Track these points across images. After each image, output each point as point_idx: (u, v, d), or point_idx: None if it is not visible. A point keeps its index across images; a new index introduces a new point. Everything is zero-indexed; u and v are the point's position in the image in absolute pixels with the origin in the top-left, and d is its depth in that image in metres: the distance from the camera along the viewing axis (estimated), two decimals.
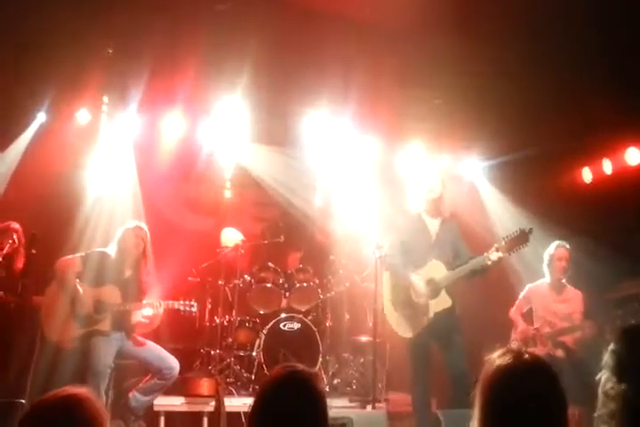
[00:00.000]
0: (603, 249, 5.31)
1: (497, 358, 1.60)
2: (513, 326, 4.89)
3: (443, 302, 4.06)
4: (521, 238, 3.95)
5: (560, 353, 4.57)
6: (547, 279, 4.84)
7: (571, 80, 5.15)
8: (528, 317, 4.91)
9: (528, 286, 4.96)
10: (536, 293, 4.87)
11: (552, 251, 4.77)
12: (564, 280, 4.79)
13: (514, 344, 4.75)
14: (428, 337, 4.12)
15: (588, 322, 4.61)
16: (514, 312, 4.93)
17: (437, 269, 4.09)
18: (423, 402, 4.21)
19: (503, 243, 3.96)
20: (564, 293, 4.80)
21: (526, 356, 1.61)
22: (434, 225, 4.27)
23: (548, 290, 4.83)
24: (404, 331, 4.18)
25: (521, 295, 4.96)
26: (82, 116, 5.60)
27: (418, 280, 4.10)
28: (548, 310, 4.77)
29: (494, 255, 3.95)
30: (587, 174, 6.32)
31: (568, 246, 4.78)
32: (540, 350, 4.56)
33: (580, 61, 4.94)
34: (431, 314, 4.06)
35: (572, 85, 5.18)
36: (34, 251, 4.25)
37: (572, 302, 4.76)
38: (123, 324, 4.20)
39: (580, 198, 6.11)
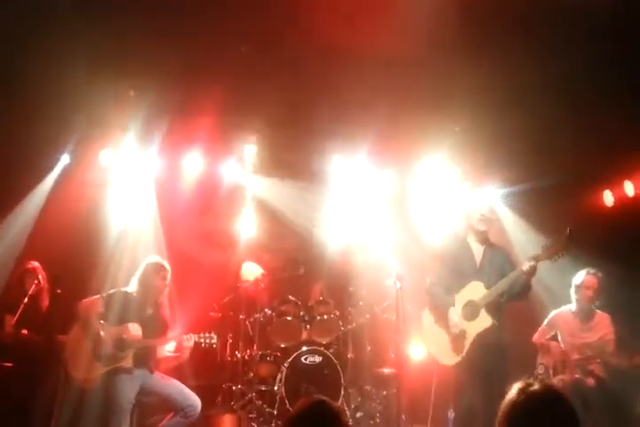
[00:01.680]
0: (630, 274, 5.23)
1: (511, 393, 1.64)
2: (540, 350, 4.78)
3: (483, 321, 3.88)
4: (559, 244, 3.82)
5: (590, 382, 4.47)
6: (572, 306, 4.76)
7: (588, 103, 5.16)
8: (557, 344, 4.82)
9: (553, 313, 4.88)
10: (561, 319, 4.80)
11: (580, 278, 4.70)
12: (593, 307, 4.69)
13: (540, 369, 4.66)
14: (470, 362, 3.90)
15: (620, 351, 4.50)
16: (537, 338, 4.84)
17: (477, 290, 3.95)
18: None
19: (541, 251, 3.86)
20: (592, 319, 4.71)
21: (536, 388, 1.63)
22: (479, 252, 4.15)
23: (573, 318, 4.75)
24: (448, 358, 3.99)
25: (545, 321, 4.88)
26: (104, 156, 5.78)
27: (454, 310, 3.97)
28: (573, 336, 4.70)
29: (526, 265, 3.85)
30: (608, 197, 6.26)
31: (598, 274, 4.67)
32: (568, 377, 4.47)
33: (596, 84, 4.95)
34: (472, 337, 3.89)
35: (590, 108, 5.19)
36: (59, 291, 4.37)
37: (601, 326, 4.68)
38: (145, 360, 4.24)
39: (603, 222, 6.03)
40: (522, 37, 4.64)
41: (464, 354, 3.89)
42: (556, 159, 5.73)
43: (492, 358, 3.85)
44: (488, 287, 3.91)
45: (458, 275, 4.04)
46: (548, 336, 4.86)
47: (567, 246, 3.81)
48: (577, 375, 4.51)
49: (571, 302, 4.82)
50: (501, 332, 3.94)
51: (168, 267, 4.44)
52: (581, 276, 4.71)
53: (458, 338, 3.93)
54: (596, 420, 4.25)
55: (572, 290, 4.75)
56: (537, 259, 3.85)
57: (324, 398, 1.78)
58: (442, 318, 4.05)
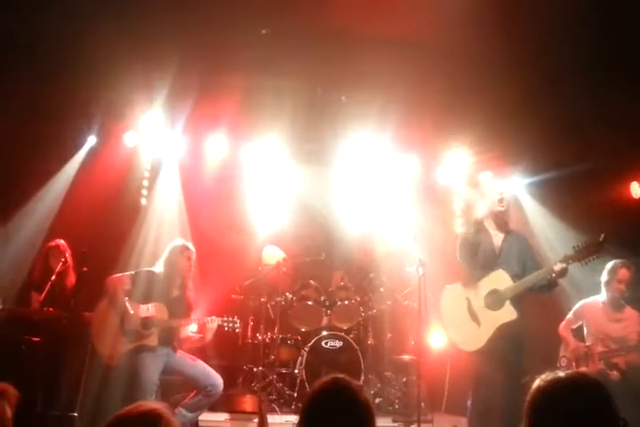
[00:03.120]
0: None
1: (539, 380, 1.58)
2: (562, 342, 4.74)
3: (507, 314, 3.82)
4: (591, 248, 3.76)
5: (615, 375, 4.36)
6: (602, 296, 4.65)
7: (618, 92, 5.06)
8: (578, 334, 4.73)
9: (581, 302, 4.76)
10: (589, 310, 4.69)
11: (614, 270, 4.55)
12: (621, 298, 4.60)
13: (563, 361, 4.60)
14: (491, 352, 3.83)
15: None
16: (563, 328, 4.73)
17: (502, 280, 3.88)
18: (479, 423, 3.96)
19: (572, 252, 3.78)
20: (621, 312, 4.60)
21: (566, 374, 1.57)
22: (498, 238, 4.09)
23: (603, 308, 4.64)
24: (467, 345, 3.94)
25: (572, 311, 4.77)
26: (130, 138, 5.82)
27: (477, 290, 3.92)
28: (601, 329, 4.58)
29: (558, 266, 3.78)
30: (635, 189, 6.15)
31: (631, 267, 4.54)
32: (591, 369, 4.39)
33: (624, 74, 4.86)
34: (494, 327, 3.83)
35: (620, 98, 5.09)
36: (85, 268, 4.41)
37: (629, 322, 4.56)
38: (170, 340, 4.28)
39: (630, 214, 5.94)
40: (552, 23, 4.57)
41: (484, 343, 3.84)
42: (582, 149, 5.63)
43: (514, 350, 3.82)
44: (513, 277, 3.86)
45: (477, 262, 4.00)
46: (574, 326, 4.76)
47: (599, 251, 3.77)
48: (601, 368, 4.42)
49: (595, 291, 4.73)
50: (523, 325, 3.89)
51: (193, 248, 4.47)
52: (615, 268, 4.56)
53: (479, 325, 3.88)
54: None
55: (603, 280, 4.62)
56: (568, 261, 3.78)
57: (344, 376, 1.77)
58: (463, 298, 3.98)
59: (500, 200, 4.04)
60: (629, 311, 4.61)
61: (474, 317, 3.90)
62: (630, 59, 4.76)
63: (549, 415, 1.51)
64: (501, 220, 4.09)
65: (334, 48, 4.97)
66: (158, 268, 4.39)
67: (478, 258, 4.01)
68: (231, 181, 6.16)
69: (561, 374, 1.59)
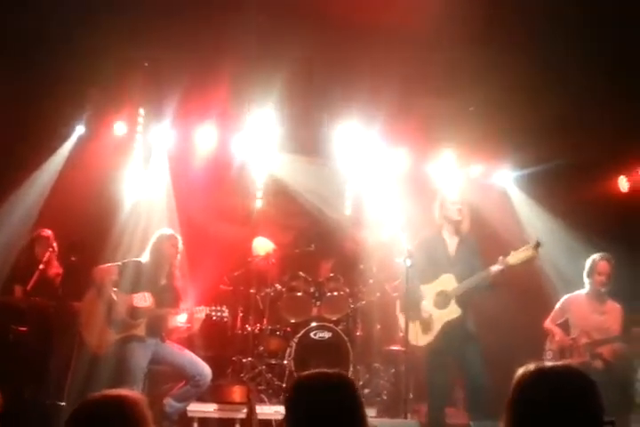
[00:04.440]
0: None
1: (522, 369, 1.58)
2: (548, 336, 4.80)
3: (452, 311, 4.23)
4: (527, 251, 4.13)
5: (598, 364, 4.45)
6: (585, 290, 4.74)
7: (604, 88, 5.10)
8: (564, 328, 4.80)
9: (565, 297, 4.85)
10: (573, 303, 4.77)
11: (594, 262, 4.66)
12: (603, 290, 4.67)
13: (549, 355, 4.66)
14: (441, 346, 4.22)
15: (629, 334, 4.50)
16: (548, 322, 4.82)
17: (449, 282, 4.27)
18: (437, 410, 4.27)
19: (509, 256, 4.13)
20: (604, 305, 4.68)
21: (550, 364, 1.57)
22: (453, 243, 4.43)
23: (587, 301, 4.72)
24: (418, 339, 4.30)
25: (557, 306, 4.85)
26: (119, 128, 5.77)
27: (427, 292, 4.30)
28: (585, 321, 4.66)
29: (495, 267, 4.13)
30: (623, 183, 6.21)
31: (611, 260, 4.66)
32: (576, 361, 4.45)
33: (612, 68, 4.89)
34: (441, 323, 4.23)
35: (607, 93, 5.13)
36: (73, 258, 4.39)
37: (612, 315, 4.65)
38: (158, 329, 4.28)
39: (617, 208, 6.00)
40: (541, 18, 4.59)
41: (433, 338, 4.25)
42: (571, 143, 5.68)
43: (462, 343, 4.22)
44: (459, 280, 4.24)
45: (431, 265, 4.32)
46: (560, 321, 4.84)
47: (534, 255, 4.16)
48: (585, 359, 4.49)
49: (583, 286, 4.80)
50: (467, 321, 4.29)
51: (178, 236, 4.46)
52: (595, 260, 4.67)
53: (428, 322, 4.27)
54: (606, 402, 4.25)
55: (585, 274, 4.71)
56: (504, 263, 4.13)
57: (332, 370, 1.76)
58: (413, 296, 4.33)
59: (459, 211, 4.37)
60: (611, 304, 4.69)
61: (425, 315, 4.26)
62: (619, 55, 4.80)
63: (532, 406, 1.50)
64: (457, 227, 4.41)
65: (326, 38, 4.95)
66: (145, 257, 4.39)
67: (432, 261, 4.34)
68: (221, 171, 6.13)
69: (544, 364, 1.58)
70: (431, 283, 4.31)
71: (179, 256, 4.47)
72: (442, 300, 4.26)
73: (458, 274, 4.25)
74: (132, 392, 1.59)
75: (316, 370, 1.76)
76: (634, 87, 5.03)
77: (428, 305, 4.26)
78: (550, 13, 4.54)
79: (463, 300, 4.23)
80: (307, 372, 1.77)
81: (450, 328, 4.21)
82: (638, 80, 4.98)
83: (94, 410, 1.52)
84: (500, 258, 4.14)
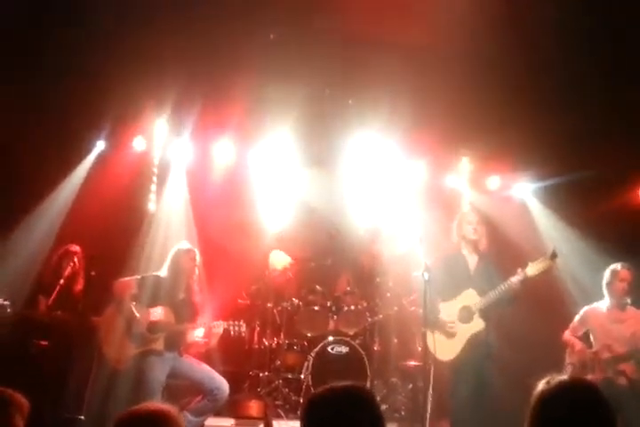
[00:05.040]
0: None
1: (540, 385, 1.63)
2: (567, 349, 4.71)
3: (476, 325, 4.30)
4: (545, 263, 4.21)
5: (622, 381, 4.36)
6: (605, 301, 4.66)
7: (624, 99, 5.06)
8: (584, 341, 4.72)
9: (584, 309, 4.77)
10: (593, 315, 4.69)
11: (615, 271, 4.61)
12: (628, 300, 4.60)
13: (569, 369, 4.58)
14: (465, 361, 4.26)
15: None
16: (568, 335, 4.74)
17: (471, 297, 4.34)
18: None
19: (528, 267, 4.19)
20: (624, 313, 4.59)
21: (566, 378, 1.62)
22: (473, 261, 4.51)
23: (607, 311, 4.63)
24: (443, 354, 4.31)
25: (576, 318, 4.77)
26: (138, 143, 5.87)
27: (450, 308, 4.35)
28: (605, 333, 4.56)
29: (515, 278, 4.19)
30: None
31: (632, 269, 4.62)
32: (598, 377, 4.38)
33: (630, 80, 4.87)
34: (466, 337, 4.29)
35: (625, 104, 5.09)
36: (93, 273, 4.44)
37: (633, 321, 4.55)
38: (176, 344, 4.29)
39: (636, 219, 5.93)
40: (559, 31, 4.59)
41: (458, 353, 4.28)
42: (589, 155, 5.65)
43: (482, 356, 4.28)
44: (480, 295, 4.32)
45: (452, 282, 4.39)
46: (579, 333, 4.75)
47: (551, 265, 4.27)
48: (608, 375, 4.40)
49: (602, 297, 4.73)
50: (489, 335, 4.35)
51: (196, 250, 4.50)
52: (615, 269, 4.62)
53: (453, 337, 4.32)
54: (628, 421, 4.16)
55: (605, 283, 4.65)
56: (524, 274, 4.20)
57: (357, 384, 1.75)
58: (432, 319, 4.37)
59: (475, 231, 4.47)
60: (632, 311, 4.61)
61: (450, 330, 4.31)
62: (633, 63, 4.77)
63: (545, 421, 1.56)
64: (474, 245, 4.50)
65: (342, 52, 5.00)
66: (163, 272, 4.42)
67: (453, 278, 4.41)
68: (238, 185, 6.19)
69: (562, 379, 1.63)
70: (454, 299, 4.37)
71: (197, 270, 4.49)
72: (465, 314, 4.32)
73: (479, 289, 4.32)
74: (169, 407, 1.61)
75: (331, 384, 1.73)
76: None
77: (452, 320, 4.32)
78: (568, 26, 4.54)
79: (485, 313, 4.30)
80: (322, 387, 1.75)
81: (475, 342, 4.26)
82: None
83: (132, 424, 1.54)
84: (519, 270, 4.20)
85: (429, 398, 4.38)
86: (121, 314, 4.21)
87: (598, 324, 4.64)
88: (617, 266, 4.63)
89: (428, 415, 4.60)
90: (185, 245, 4.57)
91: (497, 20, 4.51)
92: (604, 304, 4.68)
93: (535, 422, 1.57)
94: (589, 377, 4.39)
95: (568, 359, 4.65)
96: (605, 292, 4.66)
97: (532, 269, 4.18)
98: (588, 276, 5.36)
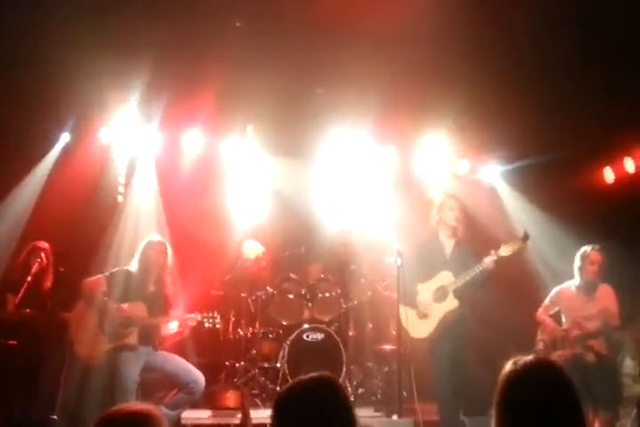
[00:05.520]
0: (630, 250, 5.23)
1: (507, 366, 1.68)
2: (540, 327, 4.81)
3: (450, 304, 4.40)
4: (517, 244, 4.32)
5: (590, 357, 4.49)
6: (575, 281, 4.76)
7: (588, 81, 5.10)
8: (556, 319, 4.83)
9: (555, 289, 4.87)
10: (563, 294, 4.79)
11: (585, 254, 4.69)
12: (599, 281, 4.68)
13: (540, 345, 4.70)
14: (441, 338, 4.36)
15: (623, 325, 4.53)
16: (540, 313, 4.84)
17: (446, 278, 4.46)
18: (449, 407, 4.29)
19: (500, 248, 4.30)
20: (595, 292, 4.68)
21: (532, 360, 1.67)
22: (449, 245, 4.59)
23: (577, 291, 4.73)
24: (417, 332, 4.45)
25: (547, 298, 4.88)
26: (104, 134, 5.73)
27: (426, 289, 4.46)
28: (576, 312, 4.66)
29: (488, 259, 4.30)
30: (609, 174, 6.24)
31: (602, 250, 4.71)
32: (567, 353, 4.51)
33: (595, 60, 4.90)
34: (440, 315, 4.40)
35: (590, 86, 5.14)
36: (62, 269, 4.37)
37: (604, 299, 4.65)
38: (150, 338, 4.27)
39: (603, 198, 6.03)
40: (522, 14, 4.58)
41: (433, 330, 4.40)
42: (556, 136, 5.71)
43: (458, 335, 4.38)
44: (456, 276, 4.43)
45: (428, 266, 4.50)
46: (551, 312, 4.85)
47: (523, 247, 4.38)
48: (577, 351, 4.52)
49: (573, 277, 4.82)
50: (464, 314, 4.44)
51: (166, 242, 4.46)
52: (586, 251, 4.69)
53: (427, 315, 4.45)
54: (596, 395, 4.30)
55: (576, 265, 4.72)
56: (497, 255, 4.30)
57: (323, 374, 1.75)
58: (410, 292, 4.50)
59: (456, 218, 4.56)
60: (603, 288, 4.69)
61: (424, 310, 4.43)
62: (602, 49, 4.80)
63: (519, 406, 1.59)
64: (453, 231, 4.59)
65: (310, 40, 4.93)
66: (133, 266, 4.37)
67: (430, 262, 4.52)
68: (209, 175, 6.13)
69: (527, 361, 1.67)
70: (430, 280, 4.48)
71: (169, 262, 4.45)
72: (440, 294, 4.43)
73: (454, 272, 4.42)
74: (151, 407, 1.60)
75: (297, 378, 1.75)
76: (617, 80, 5.04)
77: (427, 300, 4.43)
78: (534, 9, 4.53)
79: (460, 293, 4.39)
80: (288, 384, 1.77)
81: (449, 320, 4.36)
82: (621, 72, 4.99)
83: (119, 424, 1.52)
84: (492, 251, 4.30)
85: (413, 380, 4.46)
86: (92, 310, 4.16)
87: (568, 303, 4.74)
88: (587, 249, 4.70)
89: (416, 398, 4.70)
90: (154, 237, 4.52)
91: (462, 6, 4.49)
92: (574, 283, 4.77)
93: (503, 405, 1.62)
94: (559, 353, 4.55)
95: (540, 336, 4.76)
96: (576, 273, 4.74)
97: (505, 250, 4.28)
98: (557, 257, 5.46)
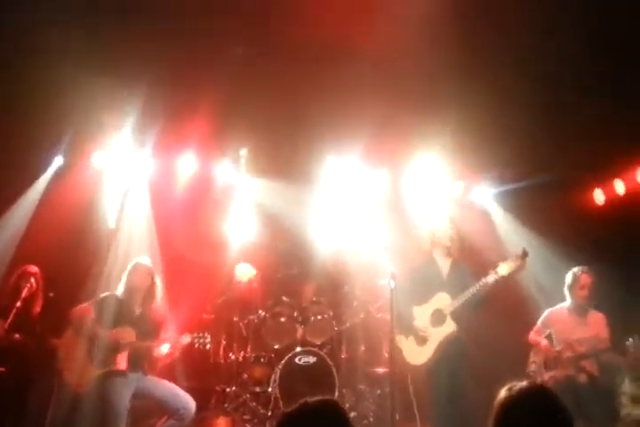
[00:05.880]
0: (622, 272, 5.25)
1: (502, 392, 1.74)
2: (532, 348, 4.81)
3: (447, 328, 4.32)
4: (516, 262, 4.27)
5: (582, 378, 4.50)
6: (567, 303, 4.78)
7: (576, 104, 5.17)
8: (548, 342, 4.83)
9: (548, 311, 4.90)
10: (555, 317, 4.81)
11: (575, 276, 4.73)
12: (589, 306, 4.73)
13: (532, 367, 4.69)
14: (438, 363, 4.28)
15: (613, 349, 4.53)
16: (533, 335, 4.87)
17: (443, 300, 4.37)
18: None
19: (499, 267, 4.26)
20: (586, 316, 4.72)
21: (526, 386, 1.72)
22: (445, 265, 4.54)
23: (569, 314, 4.76)
24: (415, 358, 4.37)
25: (539, 320, 4.90)
26: (97, 158, 5.75)
27: (423, 312, 4.37)
28: (567, 335, 4.69)
29: (490, 277, 4.24)
30: (599, 196, 6.28)
31: (591, 272, 4.74)
32: (560, 374, 4.52)
33: (584, 85, 4.97)
34: (438, 340, 4.31)
35: (578, 109, 5.20)
36: (51, 294, 4.35)
37: (596, 325, 4.69)
38: (139, 363, 4.22)
39: (594, 220, 6.07)
40: (512, 38, 4.66)
41: (431, 355, 4.31)
42: (547, 159, 5.76)
43: (457, 359, 4.31)
44: (453, 297, 4.34)
45: (425, 288, 4.43)
46: (543, 335, 4.88)
47: (522, 265, 4.31)
48: (569, 372, 4.51)
49: (565, 299, 4.83)
50: (461, 337, 4.37)
51: (148, 264, 4.42)
52: (575, 274, 4.72)
53: (425, 341, 4.35)
54: (587, 416, 4.28)
55: (567, 288, 4.76)
56: (497, 274, 4.25)
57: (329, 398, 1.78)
58: (407, 317, 4.41)
59: (451, 238, 4.53)
60: (594, 314, 4.74)
61: (422, 334, 4.35)
62: (592, 73, 4.87)
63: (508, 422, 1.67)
64: (447, 250, 4.55)
65: (304, 65, 4.99)
66: (120, 290, 4.36)
67: (426, 284, 4.45)
68: (202, 199, 6.14)
69: (519, 387, 1.72)
70: (426, 303, 4.40)
71: (156, 284, 4.40)
72: (437, 318, 4.35)
73: (451, 293, 4.35)
74: None
75: (301, 401, 1.77)
76: (608, 102, 5.10)
77: (424, 324, 4.35)
78: (523, 30, 4.60)
79: (457, 316, 4.33)
80: (292, 407, 1.78)
81: (446, 344, 4.29)
82: (612, 95, 5.05)
83: None
84: (491, 271, 4.26)
85: (413, 398, 4.54)
86: (80, 338, 4.12)
87: (560, 325, 4.76)
88: (577, 271, 4.75)
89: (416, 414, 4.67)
90: (140, 260, 4.49)
91: (453, 29, 4.56)
92: (566, 305, 4.80)
93: None
94: (551, 374, 4.57)
95: (532, 358, 4.76)
96: (567, 294, 4.77)
97: (504, 269, 4.24)
98: (550, 280, 5.46)
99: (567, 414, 1.67)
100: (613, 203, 6.09)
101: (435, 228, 4.59)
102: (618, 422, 4.59)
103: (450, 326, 4.30)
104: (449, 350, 4.27)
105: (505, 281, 4.32)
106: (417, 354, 4.34)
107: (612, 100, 5.05)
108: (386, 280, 4.44)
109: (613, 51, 4.71)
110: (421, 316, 4.37)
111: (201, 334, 4.37)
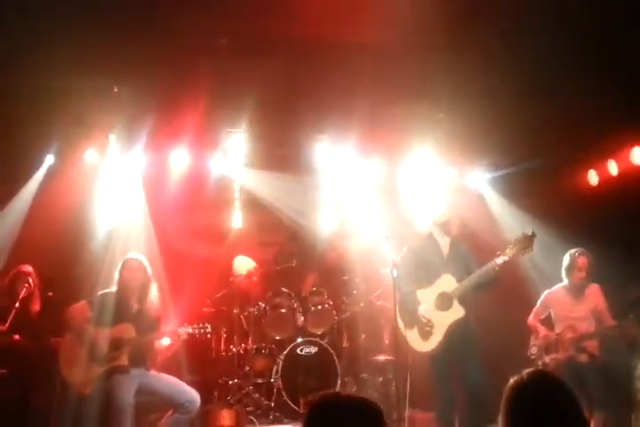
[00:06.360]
0: (616, 251, 5.27)
1: (512, 380, 1.83)
2: (532, 333, 4.85)
3: (455, 312, 4.23)
4: (524, 243, 4.20)
5: (584, 358, 4.53)
6: (564, 283, 4.81)
7: (569, 86, 5.16)
8: (548, 323, 4.87)
9: (545, 292, 4.92)
10: (554, 298, 4.84)
11: (572, 258, 4.74)
12: (586, 284, 4.74)
13: (533, 350, 4.72)
14: (445, 350, 4.21)
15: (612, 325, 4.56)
16: (532, 319, 4.89)
17: (449, 283, 4.27)
18: (446, 418, 4.26)
19: (507, 249, 4.19)
20: (583, 291, 4.74)
21: (536, 373, 1.81)
22: (445, 244, 4.47)
23: (567, 293, 4.79)
24: (421, 345, 4.28)
25: (539, 302, 4.93)
26: (90, 156, 5.70)
27: (427, 295, 4.27)
28: (567, 313, 4.72)
29: (500, 259, 4.16)
30: (593, 177, 6.29)
31: (588, 254, 4.74)
32: (561, 356, 4.55)
33: (578, 64, 4.95)
34: (446, 325, 4.21)
35: (571, 91, 5.19)
36: (50, 293, 4.33)
37: (592, 296, 4.71)
38: (141, 358, 4.21)
39: (589, 201, 6.08)
40: (501, 25, 4.63)
41: (438, 342, 4.21)
42: (539, 142, 5.76)
43: (466, 344, 4.23)
44: (458, 280, 4.25)
45: (426, 268, 4.34)
46: (542, 316, 4.90)
47: (530, 246, 4.23)
48: (570, 353, 4.54)
49: (562, 281, 4.86)
50: (470, 320, 4.29)
51: (140, 259, 4.36)
52: (572, 256, 4.74)
53: (430, 327, 4.23)
54: (591, 396, 4.32)
55: (564, 270, 4.78)
56: (507, 255, 4.19)
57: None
58: (412, 302, 4.31)
59: (442, 214, 4.47)
60: (590, 287, 4.75)
61: (427, 320, 4.23)
62: (585, 54, 4.86)
63: (518, 407, 1.77)
64: (445, 228, 4.48)
65: (296, 55, 4.95)
66: (114, 287, 4.33)
67: (427, 264, 4.36)
68: (197, 191, 6.11)
69: (529, 374, 1.81)
70: (431, 286, 4.31)
71: (150, 278, 4.36)
72: (444, 301, 4.25)
73: (454, 274, 4.28)
74: None
75: (343, 394, 1.77)
76: (599, 82, 5.09)
77: (429, 309, 4.25)
78: (516, 22, 4.58)
79: (465, 299, 4.25)
80: (328, 393, 1.78)
81: (455, 330, 4.21)
82: (604, 75, 5.04)
83: None
84: (499, 252, 4.20)
85: (408, 389, 4.34)
86: (79, 339, 4.10)
87: (559, 305, 4.80)
88: (573, 253, 4.76)
89: (407, 403, 4.66)
90: (130, 255, 4.44)
91: (446, 14, 4.53)
92: (563, 286, 4.82)
93: (509, 412, 1.77)
94: (552, 356, 4.60)
95: (532, 341, 4.80)
96: (564, 275, 4.80)
97: (513, 250, 4.17)
98: (546, 260, 5.49)
99: (575, 400, 1.76)
100: (607, 184, 6.09)
101: (432, 207, 4.54)
102: (633, 408, 4.58)
103: (458, 312, 4.21)
104: (456, 336, 4.20)
105: (513, 263, 4.27)
106: (424, 340, 4.25)
107: (603, 81, 5.04)
108: (387, 269, 4.45)
109: (603, 32, 4.69)
110: (426, 300, 4.27)
111: (201, 325, 4.34)
